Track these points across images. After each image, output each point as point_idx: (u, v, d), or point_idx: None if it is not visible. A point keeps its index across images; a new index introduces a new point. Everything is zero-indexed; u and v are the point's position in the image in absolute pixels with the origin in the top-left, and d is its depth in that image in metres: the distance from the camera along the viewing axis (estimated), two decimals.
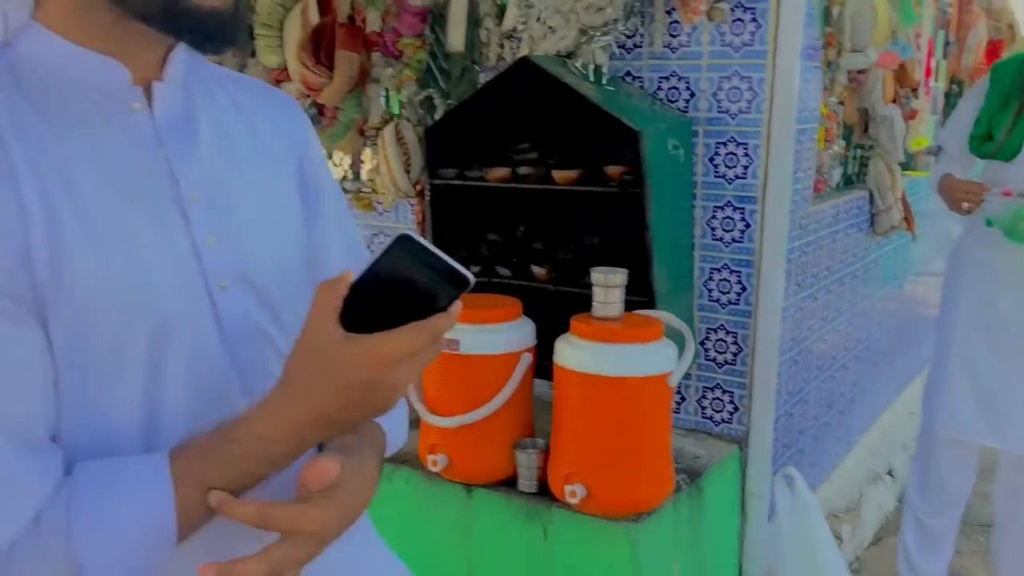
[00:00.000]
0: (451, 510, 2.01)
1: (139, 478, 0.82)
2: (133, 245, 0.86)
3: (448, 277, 0.78)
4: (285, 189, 1.04)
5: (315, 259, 1.08)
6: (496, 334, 1.92)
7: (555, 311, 2.35)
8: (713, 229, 2.18)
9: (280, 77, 2.74)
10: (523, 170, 2.13)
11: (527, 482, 1.93)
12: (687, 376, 2.28)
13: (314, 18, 2.61)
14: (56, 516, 0.79)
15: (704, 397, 2.28)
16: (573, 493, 1.80)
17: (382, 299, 0.79)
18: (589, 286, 1.84)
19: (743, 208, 2.14)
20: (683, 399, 2.31)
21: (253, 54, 2.75)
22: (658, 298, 2.02)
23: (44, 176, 0.82)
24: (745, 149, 2.11)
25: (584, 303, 1.87)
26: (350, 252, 1.13)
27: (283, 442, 0.82)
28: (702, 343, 2.25)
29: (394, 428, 1.10)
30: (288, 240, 1.03)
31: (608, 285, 1.81)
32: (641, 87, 2.21)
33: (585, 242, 2.24)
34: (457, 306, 0.80)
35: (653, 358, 1.78)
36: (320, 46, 2.56)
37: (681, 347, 1.86)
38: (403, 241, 0.77)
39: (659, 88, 2.19)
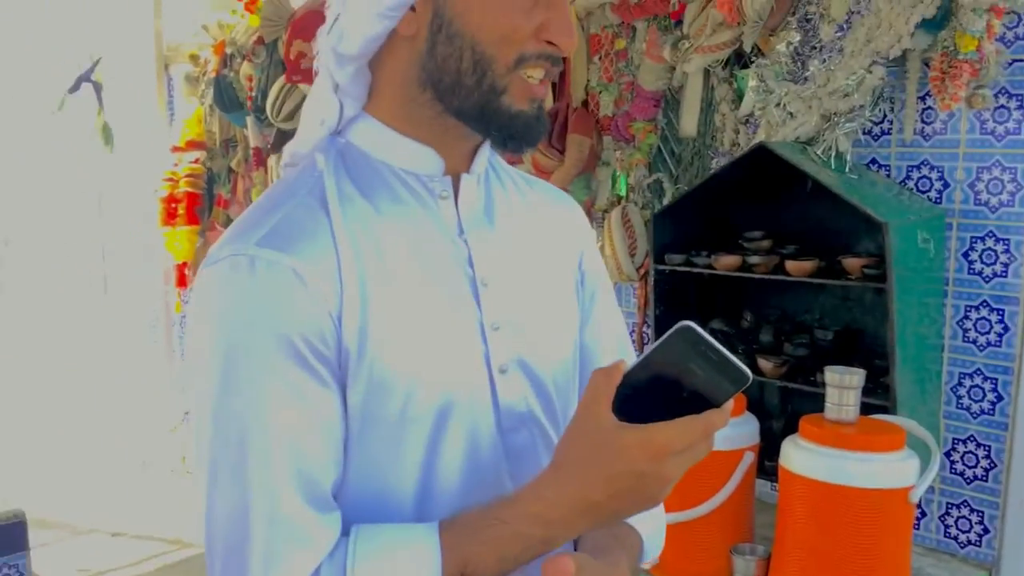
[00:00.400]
0: None
1: (413, 545, 0.85)
2: (431, 323, 0.94)
3: (726, 371, 0.76)
4: (566, 283, 1.11)
5: (586, 350, 1.14)
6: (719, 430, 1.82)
7: (782, 409, 2.23)
8: (966, 330, 1.99)
9: (515, 159, 2.82)
10: (754, 259, 2.04)
11: None
12: (929, 490, 2.08)
13: (549, 103, 2.67)
14: (334, 573, 0.84)
15: (948, 514, 2.07)
16: None
17: (657, 390, 0.78)
18: (821, 384, 1.72)
19: (1001, 309, 1.94)
20: (924, 515, 2.10)
21: None
22: (899, 403, 1.86)
23: (362, 252, 0.90)
24: (1006, 245, 1.92)
25: (813, 402, 1.75)
26: (619, 345, 1.17)
27: (550, 526, 0.83)
28: (948, 454, 2.05)
29: (652, 534, 1.10)
30: (565, 331, 1.09)
31: (843, 386, 1.68)
32: (888, 176, 2.08)
33: (818, 337, 2.11)
34: (731, 403, 0.79)
35: (894, 469, 1.62)
36: (553, 130, 2.60)
37: (924, 459, 1.69)
38: (683, 331, 0.76)
39: (908, 177, 2.05)
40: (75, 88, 5.10)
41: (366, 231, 0.92)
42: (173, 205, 4.37)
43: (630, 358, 1.15)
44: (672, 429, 0.78)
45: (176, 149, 4.35)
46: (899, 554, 1.67)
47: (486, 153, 1.02)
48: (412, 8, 0.91)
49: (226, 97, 4.01)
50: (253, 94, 3.86)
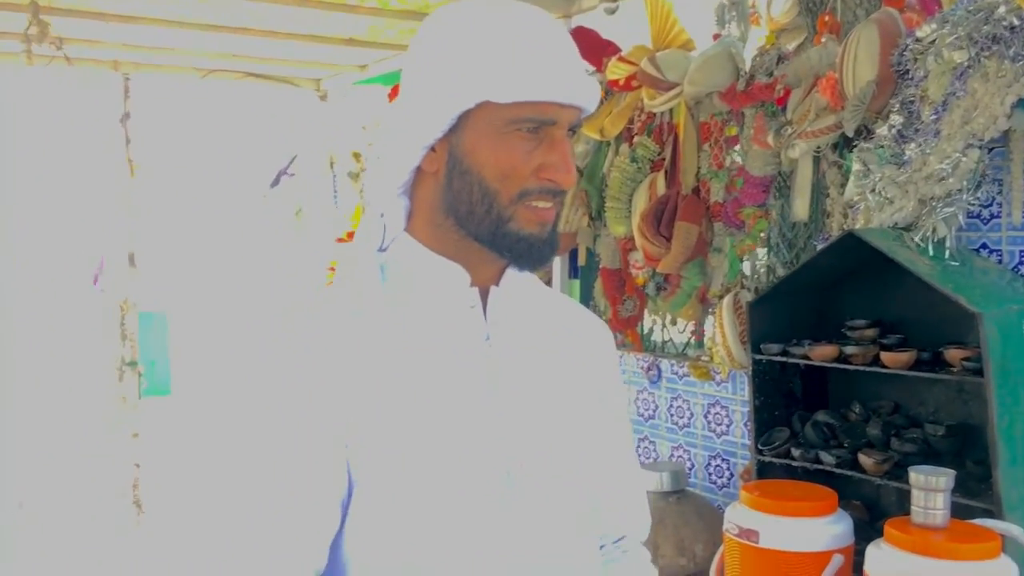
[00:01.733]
0: None
1: None
2: (449, 423, 1.04)
3: None
4: (588, 404, 1.20)
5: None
6: (803, 528, 1.76)
7: (884, 509, 2.12)
8: None
9: (628, 246, 2.85)
10: (850, 349, 1.97)
11: None
12: None
13: (660, 190, 2.70)
14: None
15: None
16: None
17: None
18: None
19: None
20: None
21: (606, 224, 2.89)
22: (1008, 506, 1.72)
23: (385, 354, 1.04)
24: None
25: None
26: (624, 466, 1.29)
27: None
28: None
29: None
30: (579, 441, 1.17)
31: (929, 489, 1.58)
32: (999, 261, 1.97)
33: (929, 433, 1.99)
34: None
35: None
36: (662, 217, 2.62)
37: None
38: None
39: (1020, 263, 1.93)
40: (276, 182, 5.58)
41: (396, 344, 1.05)
42: None
43: (633, 479, 1.32)
44: None
45: (340, 240, 4.65)
46: None
47: (515, 271, 1.13)
48: (432, 149, 1.05)
49: None
50: None
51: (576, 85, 1.03)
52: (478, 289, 1.10)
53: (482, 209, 1.04)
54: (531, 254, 1.06)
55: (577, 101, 1.04)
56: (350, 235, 4.63)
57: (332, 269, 4.65)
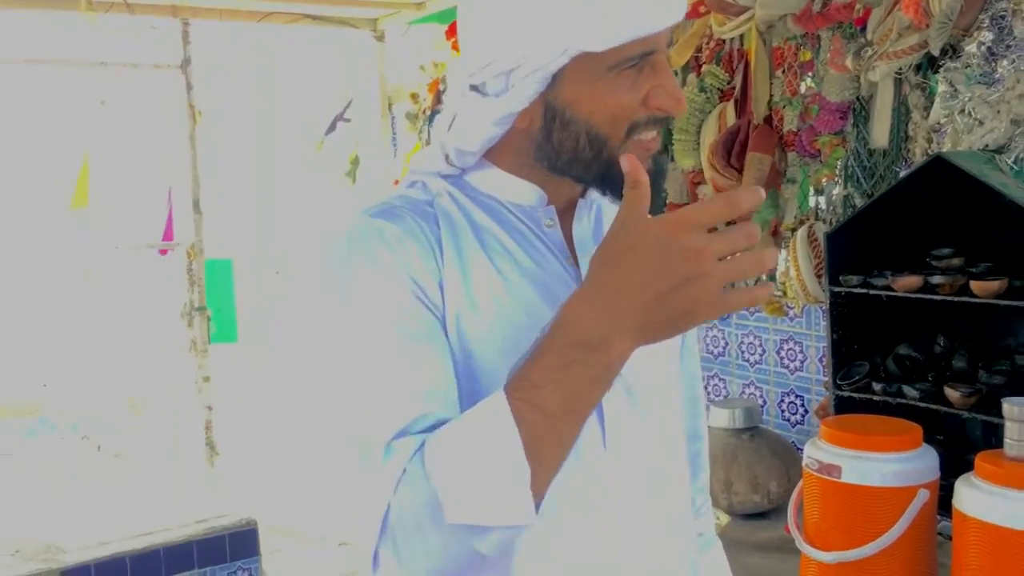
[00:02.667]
0: None
1: (479, 406, 0.88)
2: (532, 324, 0.98)
3: None
4: None
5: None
6: (887, 463, 1.70)
7: (973, 443, 2.05)
8: None
9: (697, 179, 2.77)
10: (936, 279, 1.89)
11: None
12: None
13: (730, 121, 2.61)
14: (417, 447, 0.89)
15: None
16: None
17: None
18: None
19: None
20: None
21: (673, 158, 2.81)
22: None
23: (467, 256, 1.00)
24: None
25: None
26: (690, 394, 1.29)
27: (597, 324, 0.83)
28: None
29: None
30: (666, 354, 1.15)
31: (1023, 420, 1.52)
32: None
33: (1018, 364, 1.91)
34: (761, 190, 0.82)
35: None
36: (732, 148, 2.53)
37: None
38: None
39: None
40: (331, 129, 5.57)
41: (480, 246, 1.02)
42: None
43: (700, 402, 1.33)
44: (692, 206, 0.81)
45: (397, 183, 4.63)
46: None
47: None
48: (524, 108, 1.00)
49: None
50: None
51: (671, 5, 0.96)
52: (555, 208, 1.07)
53: (590, 155, 1.00)
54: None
55: (674, 20, 0.97)
56: None
57: None
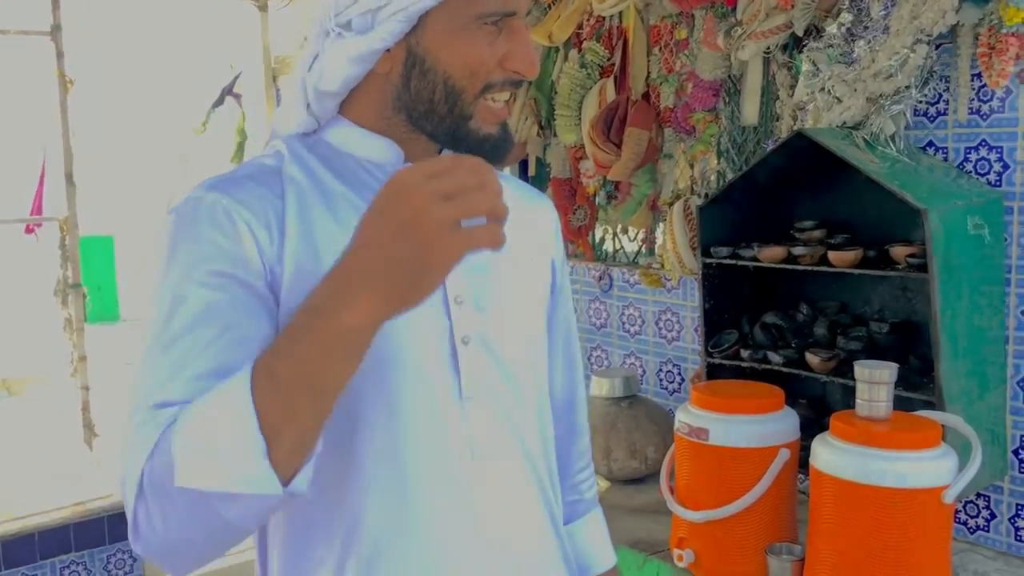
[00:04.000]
0: None
1: (225, 385, 0.87)
2: None
3: None
4: (534, 272, 1.21)
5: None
6: (751, 425, 1.79)
7: (832, 406, 2.16)
8: None
9: (579, 155, 2.82)
10: (798, 250, 1.98)
11: None
12: (998, 490, 1.96)
13: (610, 97, 2.66)
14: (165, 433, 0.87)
15: (1019, 516, 1.94)
16: None
17: None
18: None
19: None
20: (993, 516, 1.99)
21: (555, 133, 2.85)
22: (949, 399, 1.76)
23: (312, 220, 0.99)
24: None
25: None
26: (569, 348, 1.32)
27: (326, 288, 0.83)
28: (1016, 452, 1.93)
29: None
30: (529, 313, 1.18)
31: (873, 381, 1.62)
32: (945, 159, 1.97)
33: (874, 330, 2.02)
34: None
35: (926, 468, 1.55)
36: (612, 124, 2.59)
37: (967, 457, 1.60)
38: None
39: (966, 159, 1.94)
40: (219, 102, 5.41)
41: (327, 208, 1.01)
42: None
43: (577, 368, 1.36)
44: (428, 160, 0.81)
45: None
46: (936, 557, 1.59)
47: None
48: (387, 50, 1.00)
49: None
50: None
51: None
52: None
53: (444, 108, 1.02)
54: (491, 153, 1.05)
55: None
56: None
57: None
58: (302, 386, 0.83)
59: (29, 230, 4.03)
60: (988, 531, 1.99)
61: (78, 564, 3.11)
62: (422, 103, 1.02)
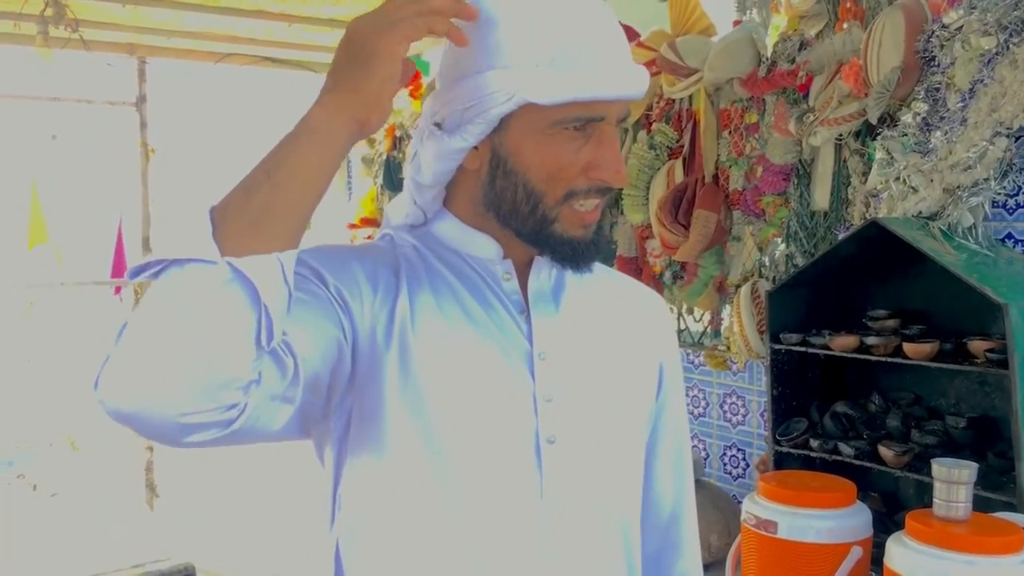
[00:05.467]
0: None
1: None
2: (479, 385, 1.01)
3: None
4: (637, 371, 1.15)
5: (646, 453, 1.19)
6: (822, 520, 1.74)
7: (906, 501, 2.09)
8: None
9: (646, 234, 2.82)
10: (871, 340, 1.94)
11: None
12: None
13: (678, 178, 2.67)
14: None
15: None
16: None
17: None
18: None
19: None
20: None
21: (622, 212, 2.86)
22: None
23: (419, 305, 1.01)
24: None
25: None
26: (676, 459, 1.23)
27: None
28: None
29: None
30: (628, 413, 1.13)
31: (952, 481, 1.56)
32: None
33: (950, 425, 1.96)
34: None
35: (1003, 573, 1.49)
36: (680, 205, 2.59)
37: None
38: None
39: None
40: None
41: (433, 291, 1.03)
42: None
43: (687, 481, 1.26)
44: None
45: (352, 226, 4.64)
46: None
47: None
48: (475, 148, 1.02)
49: (394, 177, 4.25)
50: None
51: (626, 77, 0.98)
52: (512, 261, 1.08)
53: (527, 209, 1.02)
54: (575, 257, 1.04)
55: (627, 93, 0.99)
56: (363, 221, 4.62)
57: None
58: (260, 170, 0.88)
59: (117, 291, 4.14)
60: None
61: None
62: (506, 203, 1.03)
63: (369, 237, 4.60)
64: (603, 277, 1.18)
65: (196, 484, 5.82)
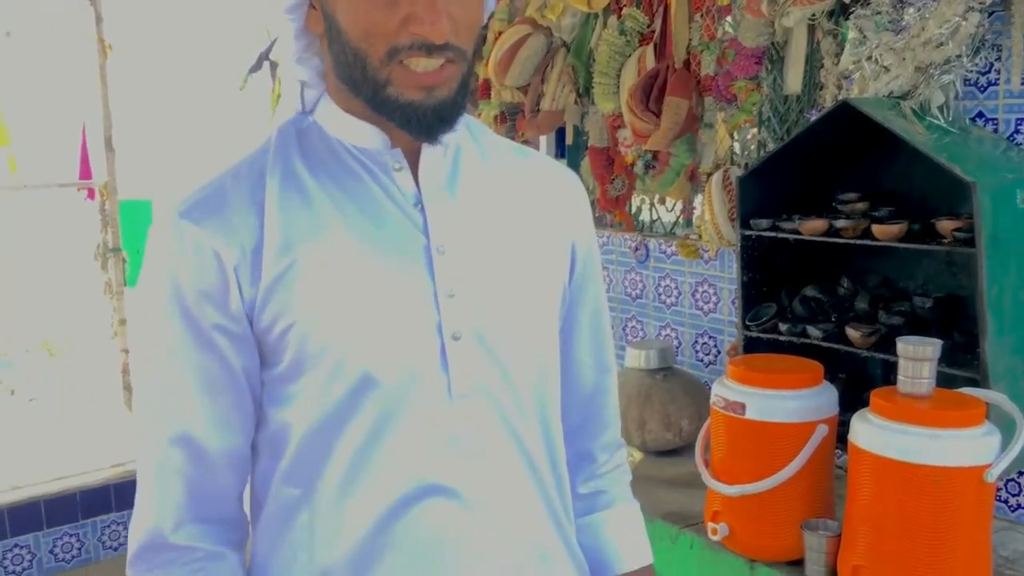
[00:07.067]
0: None
1: None
2: (370, 292, 0.95)
3: None
4: (545, 255, 1.10)
5: (562, 337, 1.16)
6: (789, 400, 1.77)
7: (873, 381, 2.13)
8: None
9: (617, 123, 2.78)
10: (840, 223, 1.94)
11: (815, 567, 1.74)
12: None
13: (650, 65, 2.62)
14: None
15: None
16: None
17: None
18: None
19: None
20: None
21: (593, 101, 2.81)
22: (993, 376, 1.73)
23: (295, 224, 0.95)
24: None
25: None
26: (595, 339, 1.21)
27: None
28: None
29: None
30: (534, 303, 1.08)
31: (916, 358, 1.59)
32: (995, 131, 1.92)
33: (917, 305, 1.98)
34: None
35: (965, 446, 1.52)
36: (651, 92, 2.55)
37: (1011, 435, 1.57)
38: None
39: (1017, 131, 1.89)
40: (256, 67, 5.41)
41: (305, 205, 0.96)
42: None
43: (607, 354, 1.24)
44: None
45: None
46: (976, 536, 1.56)
47: (457, 127, 1.02)
48: (312, 6, 0.97)
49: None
50: None
51: None
52: (402, 151, 1.01)
53: (359, 73, 0.95)
54: (419, 123, 0.96)
55: None
56: None
57: None
58: None
59: (91, 195, 4.07)
60: None
61: (118, 524, 3.17)
62: (343, 68, 0.96)
63: None
64: (511, 158, 1.12)
65: None
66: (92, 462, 3.25)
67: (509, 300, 1.03)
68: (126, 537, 3.18)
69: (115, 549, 3.17)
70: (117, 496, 3.15)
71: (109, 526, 3.16)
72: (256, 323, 0.95)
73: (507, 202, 1.07)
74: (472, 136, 1.09)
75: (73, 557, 3.09)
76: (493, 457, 1.01)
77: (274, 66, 5.31)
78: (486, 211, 1.05)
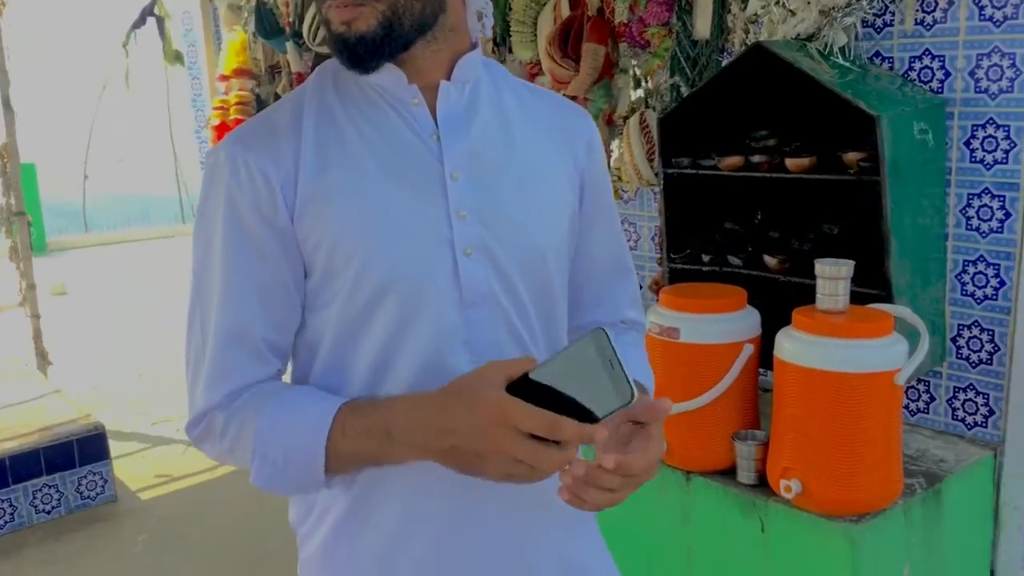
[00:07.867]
0: (671, 495, 2.04)
1: (315, 413, 1.03)
2: (394, 209, 1.06)
3: (618, 385, 0.85)
4: (555, 186, 1.19)
5: (577, 269, 1.26)
6: (717, 324, 1.92)
7: (788, 303, 2.30)
8: (968, 218, 2.02)
9: (534, 71, 2.87)
10: (756, 158, 2.09)
11: (746, 473, 1.91)
12: (937, 375, 2.14)
13: (565, 12, 2.71)
14: (250, 409, 1.04)
15: (955, 398, 2.13)
16: (788, 488, 1.77)
17: (552, 393, 0.88)
18: None
19: (1003, 196, 1.96)
20: (932, 399, 2.17)
21: (511, 50, 2.89)
22: (897, 291, 1.91)
23: (326, 150, 1.07)
24: (1006, 132, 1.93)
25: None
26: (614, 267, 1.31)
27: (400, 429, 0.98)
28: (954, 340, 2.10)
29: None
30: (543, 225, 1.16)
31: (832, 277, 1.75)
32: (891, 68, 2.09)
33: (824, 231, 2.16)
34: (603, 429, 0.88)
35: (877, 354, 1.70)
36: (568, 39, 2.64)
37: (916, 344, 1.76)
38: (596, 336, 0.86)
39: (910, 68, 2.06)
40: (141, 23, 5.26)
41: (337, 135, 1.08)
42: (225, 132, 4.53)
43: (628, 281, 1.32)
44: (534, 412, 0.88)
45: (223, 78, 4.49)
46: (887, 435, 1.75)
47: (472, 64, 1.13)
48: None
49: (267, 24, 4.11)
50: (291, 19, 3.95)
51: None
52: (419, 87, 1.10)
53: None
54: (344, 54, 1.05)
55: None
56: (236, 72, 4.47)
57: (220, 108, 4.50)
58: (357, 461, 1.03)
59: None
60: (928, 413, 2.17)
61: (50, 487, 3.15)
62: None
63: (242, 89, 4.47)
64: (525, 95, 1.21)
65: (86, 350, 5.73)
66: (20, 428, 3.21)
67: (516, 222, 1.12)
68: (59, 500, 3.18)
69: (47, 512, 3.15)
70: (47, 460, 3.13)
71: (40, 489, 3.14)
72: (296, 237, 1.06)
73: (518, 134, 1.16)
74: (490, 75, 1.18)
75: (7, 523, 3.07)
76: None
77: (160, 21, 5.18)
78: (498, 142, 1.14)
